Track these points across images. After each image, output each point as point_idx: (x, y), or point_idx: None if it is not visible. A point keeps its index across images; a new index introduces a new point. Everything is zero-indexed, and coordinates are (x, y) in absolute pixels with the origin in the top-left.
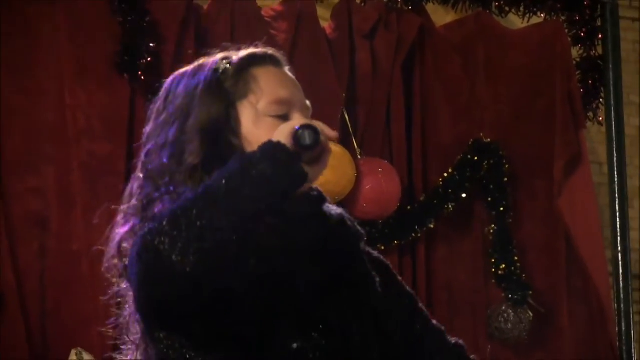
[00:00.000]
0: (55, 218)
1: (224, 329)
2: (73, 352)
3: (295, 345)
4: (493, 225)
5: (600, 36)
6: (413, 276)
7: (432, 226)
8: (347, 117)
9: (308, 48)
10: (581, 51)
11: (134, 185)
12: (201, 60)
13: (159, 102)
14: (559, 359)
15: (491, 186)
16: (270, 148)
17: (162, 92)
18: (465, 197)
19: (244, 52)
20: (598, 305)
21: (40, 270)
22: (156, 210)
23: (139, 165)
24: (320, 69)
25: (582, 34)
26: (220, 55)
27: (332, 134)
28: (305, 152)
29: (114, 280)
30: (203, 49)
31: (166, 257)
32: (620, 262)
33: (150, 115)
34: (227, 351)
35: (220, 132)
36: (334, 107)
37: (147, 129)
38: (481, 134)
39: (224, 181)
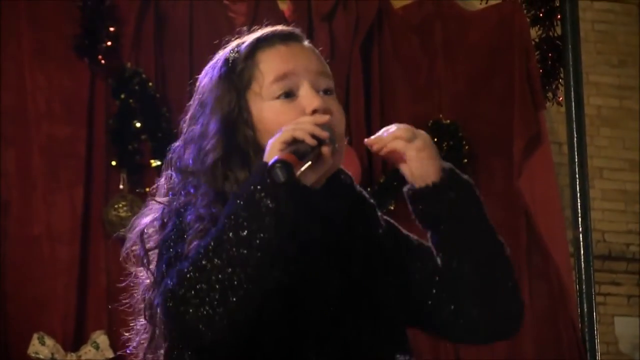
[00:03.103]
0: (16, 201)
1: (249, 349)
2: (35, 336)
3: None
4: None
5: (559, 16)
6: None
7: (392, 208)
8: None
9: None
10: (540, 31)
11: (162, 179)
12: (225, 49)
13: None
14: (519, 336)
15: None
16: (264, 179)
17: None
18: None
19: (251, 37)
20: (559, 284)
21: (0, 254)
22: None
23: (168, 159)
24: None
25: (541, 15)
26: (234, 43)
27: (323, 134)
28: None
29: (132, 269)
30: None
31: (193, 327)
32: (581, 243)
33: (187, 108)
34: None
35: (236, 125)
36: None
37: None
38: (440, 115)
39: (231, 233)
